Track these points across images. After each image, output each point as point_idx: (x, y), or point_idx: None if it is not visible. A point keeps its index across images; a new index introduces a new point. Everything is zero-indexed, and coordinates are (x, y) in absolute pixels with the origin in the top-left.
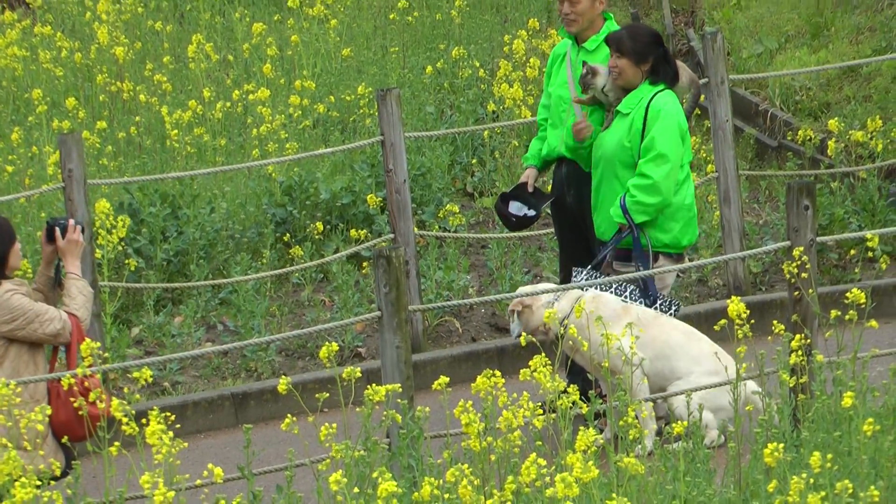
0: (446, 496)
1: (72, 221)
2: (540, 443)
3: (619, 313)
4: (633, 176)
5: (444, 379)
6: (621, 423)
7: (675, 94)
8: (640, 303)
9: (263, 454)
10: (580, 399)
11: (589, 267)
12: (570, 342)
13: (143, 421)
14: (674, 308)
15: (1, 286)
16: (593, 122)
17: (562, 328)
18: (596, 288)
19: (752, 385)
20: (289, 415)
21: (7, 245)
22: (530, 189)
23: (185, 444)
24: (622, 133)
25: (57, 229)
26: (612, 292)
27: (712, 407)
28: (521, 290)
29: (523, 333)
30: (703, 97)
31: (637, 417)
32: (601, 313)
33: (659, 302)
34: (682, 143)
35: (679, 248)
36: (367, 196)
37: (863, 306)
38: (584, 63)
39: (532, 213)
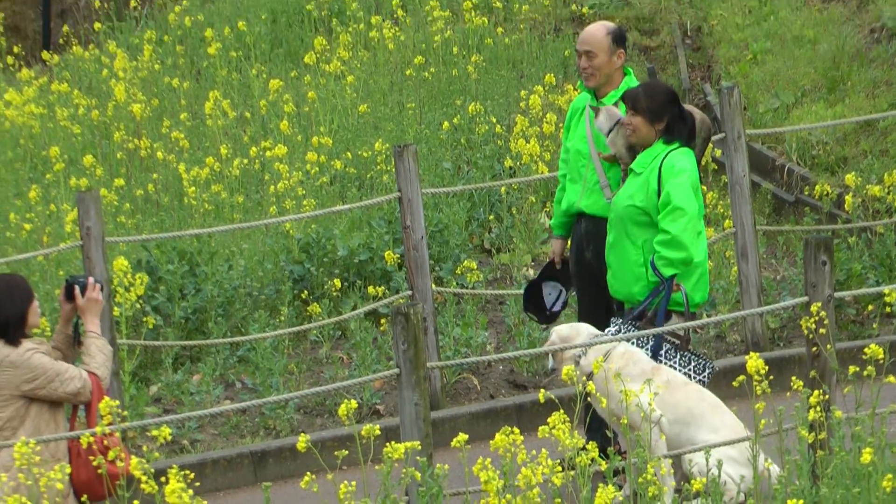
0: None
1: (91, 279)
2: (559, 500)
3: (648, 372)
4: (644, 234)
5: (462, 436)
6: (640, 479)
7: (690, 151)
8: (675, 363)
9: None
10: (599, 456)
11: (626, 318)
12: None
13: (163, 479)
14: (708, 371)
15: (21, 345)
16: (612, 178)
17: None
18: (628, 343)
19: (774, 470)
20: (308, 473)
21: (25, 304)
22: (558, 265)
23: (205, 503)
24: (634, 192)
25: (76, 287)
26: (646, 350)
27: (732, 463)
28: (559, 330)
29: (563, 370)
30: (714, 149)
31: (656, 474)
32: (629, 370)
33: (693, 364)
34: (695, 197)
35: (692, 306)
36: (384, 253)
37: (881, 362)
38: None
39: (560, 307)
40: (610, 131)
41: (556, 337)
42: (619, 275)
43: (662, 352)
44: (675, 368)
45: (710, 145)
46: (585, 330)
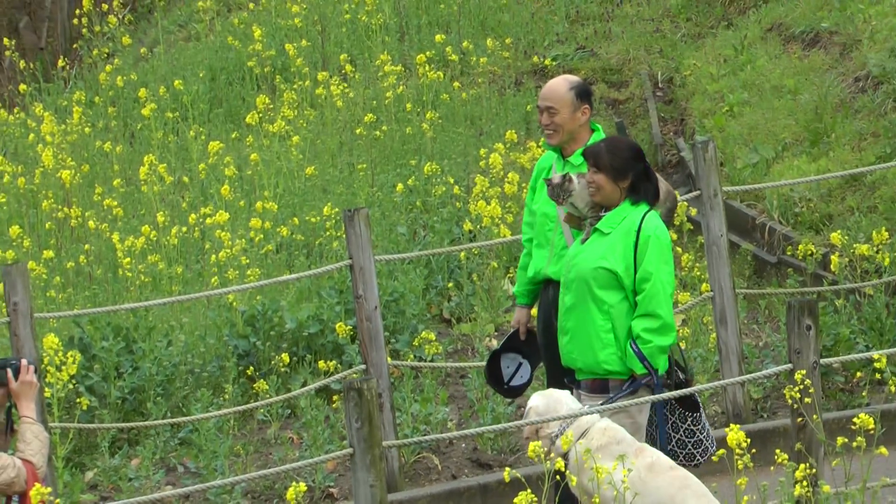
0: None
1: (24, 361)
2: None
3: (631, 454)
4: (612, 298)
5: None
6: None
7: (658, 213)
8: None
9: None
10: None
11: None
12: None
13: None
14: (711, 452)
15: None
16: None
17: (554, 457)
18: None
19: None
20: None
21: None
22: (523, 336)
23: None
24: (601, 253)
25: (8, 370)
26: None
27: None
28: (534, 401)
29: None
30: (689, 208)
31: None
32: (611, 449)
33: (692, 442)
34: (672, 268)
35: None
36: (335, 324)
37: (871, 432)
38: (566, 175)
39: (525, 379)
40: (564, 197)
41: (534, 409)
42: (581, 341)
43: (674, 442)
44: (674, 446)
45: (680, 219)
46: (567, 399)
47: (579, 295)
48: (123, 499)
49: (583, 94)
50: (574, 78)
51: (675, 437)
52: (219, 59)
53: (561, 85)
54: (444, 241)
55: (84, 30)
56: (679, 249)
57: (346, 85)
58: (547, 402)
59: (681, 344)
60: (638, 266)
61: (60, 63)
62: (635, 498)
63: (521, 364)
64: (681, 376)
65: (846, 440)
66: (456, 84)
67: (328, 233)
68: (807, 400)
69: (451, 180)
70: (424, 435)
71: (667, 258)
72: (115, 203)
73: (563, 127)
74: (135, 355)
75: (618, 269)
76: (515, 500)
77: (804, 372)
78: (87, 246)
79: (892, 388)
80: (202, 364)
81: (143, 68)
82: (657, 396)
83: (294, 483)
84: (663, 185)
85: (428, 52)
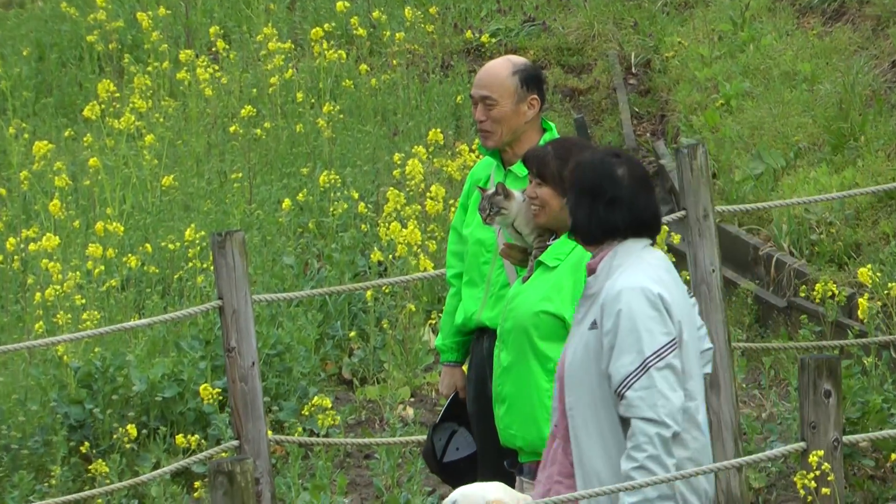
0: None
1: None
2: None
3: None
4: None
5: None
6: None
7: None
8: None
9: None
10: None
11: None
12: None
13: None
14: None
15: None
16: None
17: None
18: None
19: None
20: None
21: None
22: (463, 395)
23: None
24: (544, 293)
25: None
26: None
27: None
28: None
29: None
30: (670, 235)
31: None
32: None
33: None
34: None
35: None
36: (199, 386)
37: None
38: (499, 185)
39: (464, 453)
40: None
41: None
42: (521, 412)
43: None
44: None
45: (659, 248)
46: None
47: (518, 350)
48: None
49: (530, 80)
50: (519, 60)
51: None
52: (49, 33)
53: (502, 69)
54: (346, 275)
55: None
56: None
57: (216, 67)
58: (479, 489)
59: None
60: None
61: None
62: None
63: (454, 432)
64: None
65: None
66: (363, 67)
67: (191, 264)
68: (824, 491)
69: (356, 195)
70: None
71: None
72: None
73: (504, 124)
74: None
75: (564, 314)
76: None
77: (821, 453)
78: None
79: None
80: (21, 438)
81: None
82: (623, 485)
83: None
84: None
85: (326, 25)
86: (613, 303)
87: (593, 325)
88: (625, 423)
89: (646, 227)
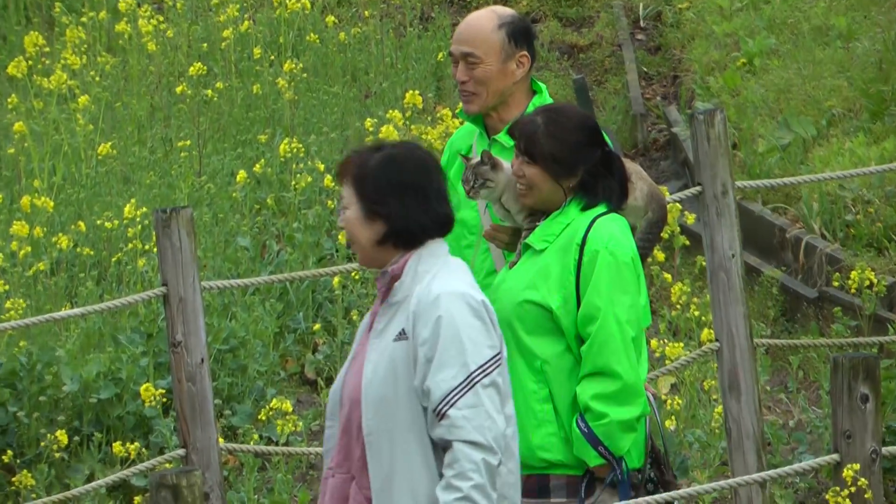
0: None
1: None
2: None
3: None
4: (547, 347)
5: None
6: None
7: (624, 219)
8: None
9: None
10: None
11: None
12: None
13: None
14: None
15: None
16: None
17: None
18: None
19: None
20: None
21: None
22: None
23: None
24: (529, 280)
25: None
26: None
27: None
28: None
29: None
30: (684, 214)
31: None
32: None
33: None
34: (639, 300)
35: (628, 470)
36: (140, 387)
37: None
38: (485, 153)
39: None
40: (476, 185)
41: None
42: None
43: None
44: None
45: (670, 229)
46: None
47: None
48: None
49: (519, 34)
50: (506, 11)
51: None
52: None
53: (486, 21)
54: (309, 259)
55: None
56: (667, 276)
57: (161, 18)
58: None
59: (666, 422)
60: (581, 298)
61: None
62: None
63: None
64: (662, 472)
65: None
66: (330, 19)
67: (131, 245)
68: None
69: (321, 167)
70: None
71: (625, 285)
72: None
73: (489, 85)
74: None
75: (551, 304)
76: None
77: (857, 466)
78: None
79: None
80: None
81: None
82: None
83: None
84: (643, 182)
85: None
86: (431, 309)
87: (401, 336)
88: (438, 446)
89: (445, 228)
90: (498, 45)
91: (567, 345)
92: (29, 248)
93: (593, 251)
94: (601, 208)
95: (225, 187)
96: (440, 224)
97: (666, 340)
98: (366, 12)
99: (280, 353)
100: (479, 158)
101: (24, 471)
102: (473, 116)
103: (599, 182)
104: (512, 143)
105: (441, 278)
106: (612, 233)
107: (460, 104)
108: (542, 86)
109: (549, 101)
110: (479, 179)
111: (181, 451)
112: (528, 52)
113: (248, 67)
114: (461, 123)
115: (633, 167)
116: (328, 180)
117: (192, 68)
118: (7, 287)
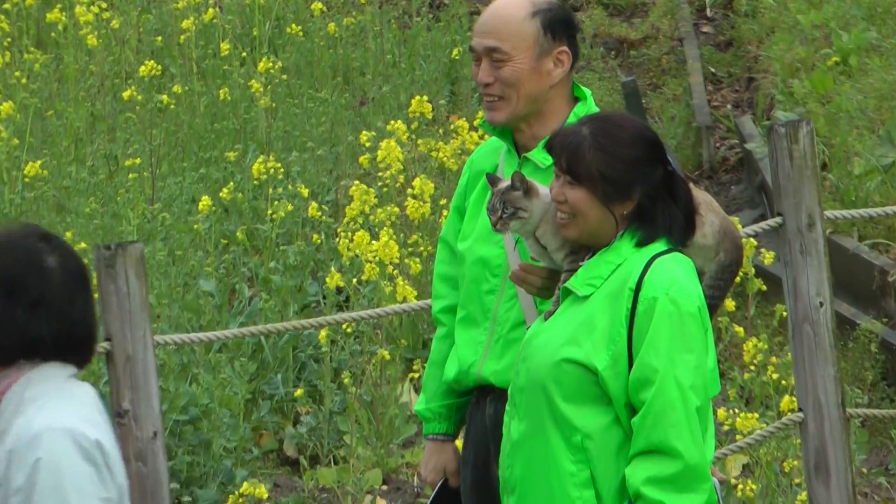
0: None
1: None
2: None
3: None
4: (589, 419)
5: None
6: None
7: (689, 260)
8: None
9: None
10: None
11: None
12: None
13: None
14: None
15: None
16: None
17: None
18: None
19: None
20: None
21: None
22: (455, 483)
23: None
24: (570, 334)
25: None
26: None
27: None
28: None
29: None
30: (760, 253)
31: None
32: None
33: None
34: (706, 360)
35: None
36: None
37: None
38: (516, 174)
39: None
40: (505, 217)
41: None
42: (535, 500)
43: None
44: None
45: (743, 271)
46: None
47: (534, 417)
48: None
49: (558, 24)
50: None
51: None
52: None
53: (516, 8)
54: (290, 308)
55: None
56: (738, 330)
57: (104, 5)
58: None
59: None
60: (634, 357)
61: None
62: None
63: None
64: None
65: None
66: (317, 6)
67: None
68: None
69: (305, 192)
70: None
71: (689, 342)
72: None
73: (520, 88)
74: None
75: (596, 364)
76: None
77: None
78: None
79: None
80: None
81: None
82: None
83: None
84: (714, 215)
85: None
86: (28, 450)
87: None
88: None
89: (77, 348)
90: (531, 37)
91: (615, 415)
92: None
93: (650, 298)
94: (661, 245)
95: (184, 217)
96: (64, 343)
97: (737, 410)
98: None
99: (253, 426)
100: (508, 182)
101: None
102: (500, 129)
103: (659, 210)
104: (550, 161)
105: (48, 410)
106: (675, 276)
107: (480, 113)
108: (587, 91)
109: (595, 109)
110: (508, 208)
111: None
112: (569, 46)
113: (214, 67)
114: (482, 137)
115: (701, 196)
116: (313, 209)
117: (142, 68)
118: None
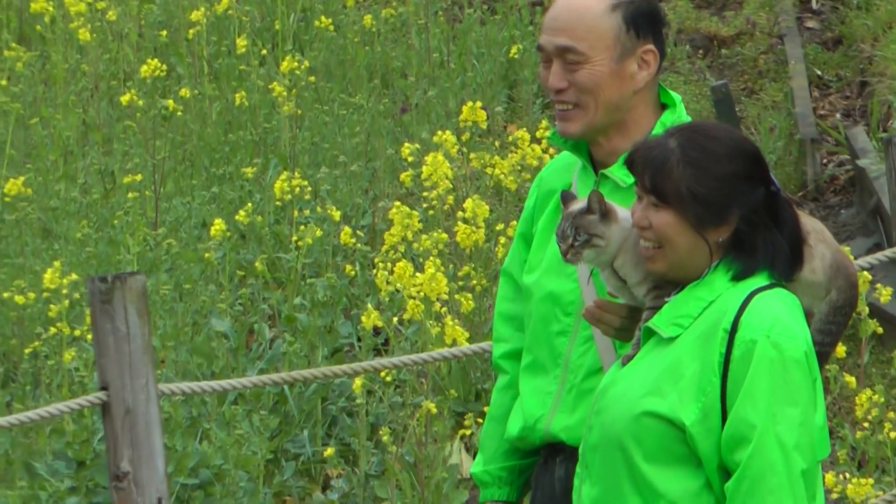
0: None
1: None
2: None
3: None
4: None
5: None
6: None
7: (795, 297)
8: None
9: None
10: None
11: None
12: None
13: None
14: None
15: None
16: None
17: None
18: None
19: None
20: None
21: None
22: None
23: None
24: (651, 383)
25: None
26: None
27: None
28: None
29: None
30: (874, 289)
31: None
32: None
33: None
34: (814, 416)
35: None
36: None
37: None
38: (593, 194)
39: None
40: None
41: None
42: None
43: None
44: None
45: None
46: None
47: (608, 480)
48: None
49: (642, 19)
50: None
51: None
52: None
53: (593, 1)
54: (318, 352)
55: None
56: (850, 380)
57: None
58: None
59: None
60: (728, 410)
61: None
62: None
63: None
64: None
65: None
66: None
67: (53, 330)
68: None
69: (336, 214)
70: None
71: (794, 394)
72: None
73: (598, 95)
74: None
75: (683, 419)
76: None
77: None
78: None
79: None
80: None
81: None
82: None
83: None
84: (825, 247)
85: None
86: None
87: None
88: None
89: None
90: (611, 35)
91: (705, 480)
92: None
93: (749, 341)
94: (761, 279)
95: (193, 244)
96: None
97: (848, 475)
98: None
99: (274, 491)
100: (582, 203)
101: None
102: (574, 142)
103: (760, 237)
104: (632, 179)
105: None
106: (778, 315)
107: (544, 122)
108: (676, 97)
109: (687, 118)
110: (581, 235)
111: None
112: (656, 45)
113: (229, 66)
114: (545, 151)
115: (811, 223)
116: (346, 235)
117: (144, 68)
118: None
